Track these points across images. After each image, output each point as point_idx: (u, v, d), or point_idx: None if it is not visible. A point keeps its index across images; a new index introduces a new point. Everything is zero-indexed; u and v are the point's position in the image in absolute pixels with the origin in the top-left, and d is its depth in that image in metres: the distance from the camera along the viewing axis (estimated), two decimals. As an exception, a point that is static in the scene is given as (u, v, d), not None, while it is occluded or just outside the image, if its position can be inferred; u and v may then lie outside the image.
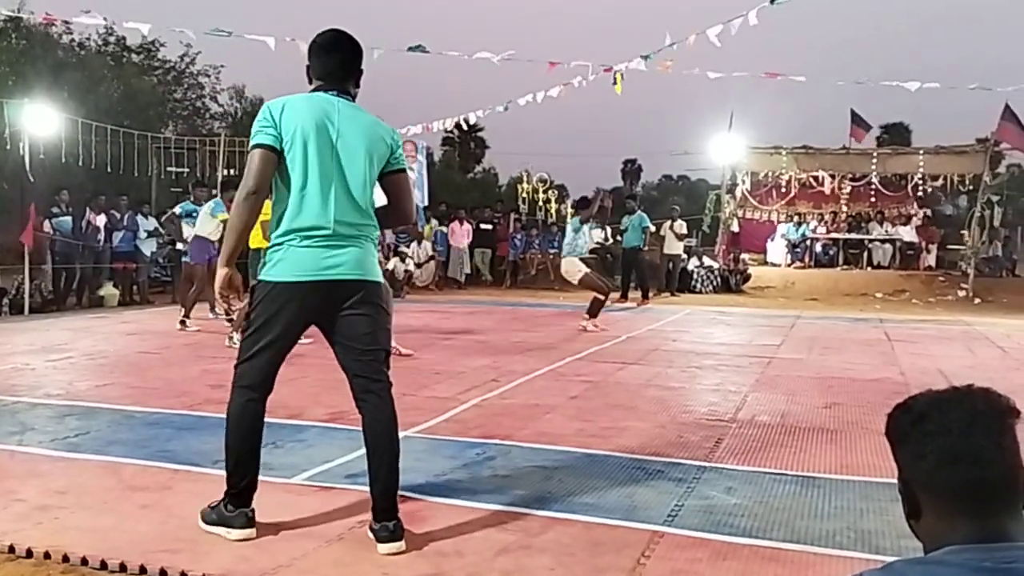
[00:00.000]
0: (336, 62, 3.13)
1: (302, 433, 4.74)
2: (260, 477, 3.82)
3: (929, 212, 20.55)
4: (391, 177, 3.17)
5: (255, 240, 8.44)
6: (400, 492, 3.59)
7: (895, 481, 3.95)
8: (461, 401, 5.62)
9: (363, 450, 4.34)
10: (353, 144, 3.04)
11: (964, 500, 1.21)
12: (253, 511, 3.14)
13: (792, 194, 20.69)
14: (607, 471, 4.03)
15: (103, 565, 2.84)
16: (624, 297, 13.89)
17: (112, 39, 24.16)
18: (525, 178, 22.08)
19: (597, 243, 19.37)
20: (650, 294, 15.48)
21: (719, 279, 17.12)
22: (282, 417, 5.11)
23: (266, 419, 5.03)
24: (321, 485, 3.75)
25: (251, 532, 3.11)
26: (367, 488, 3.67)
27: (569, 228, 10.48)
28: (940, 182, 19.59)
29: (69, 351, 7.98)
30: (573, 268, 10.17)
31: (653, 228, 15.20)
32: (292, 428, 4.85)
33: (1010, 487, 1.20)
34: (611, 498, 3.61)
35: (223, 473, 3.38)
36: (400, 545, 3.01)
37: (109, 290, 13.08)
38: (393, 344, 9.82)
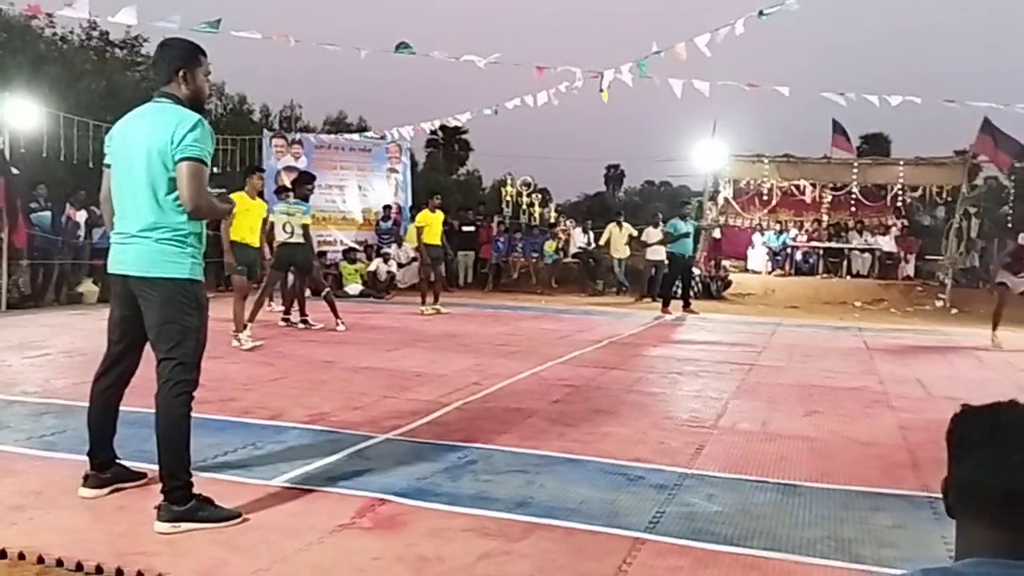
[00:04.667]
0: (153, 71, 3.54)
1: (282, 435, 4.70)
2: (241, 479, 3.82)
3: (908, 222, 20.74)
4: (176, 167, 3.24)
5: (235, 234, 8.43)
6: (381, 496, 3.59)
7: (875, 490, 3.95)
8: (443, 404, 5.60)
9: (345, 452, 4.36)
10: (132, 148, 3.32)
11: (1003, 512, 1.21)
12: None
13: (774, 202, 20.79)
14: (589, 476, 4.03)
15: (79, 567, 2.81)
16: (667, 307, 13.44)
17: (95, 33, 23.96)
18: (509, 181, 22.06)
19: (579, 248, 19.44)
20: (646, 299, 15.49)
21: (700, 285, 17.18)
22: (262, 418, 5.09)
23: (246, 419, 5.04)
24: (301, 487, 3.72)
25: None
26: (347, 491, 3.68)
27: None
28: (919, 193, 19.75)
29: (46, 348, 7.89)
30: None
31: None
32: (272, 429, 4.82)
33: None
34: (593, 504, 3.61)
35: (200, 475, 3.37)
36: (161, 526, 3.14)
37: (88, 286, 12.95)
38: (310, 320, 9.84)
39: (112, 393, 3.55)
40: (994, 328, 10.05)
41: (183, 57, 3.43)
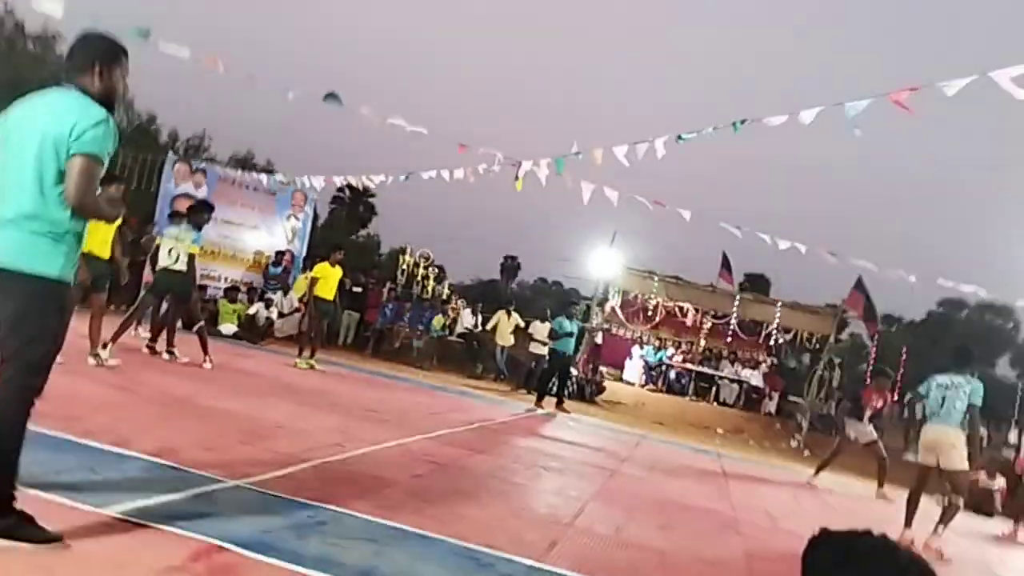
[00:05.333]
0: (67, 62, 3.35)
1: (124, 463, 4.42)
2: (71, 503, 3.55)
3: (777, 361, 21.82)
4: (69, 160, 3.09)
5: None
6: (221, 542, 3.40)
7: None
8: (301, 460, 5.39)
9: (189, 492, 4.12)
10: (29, 129, 3.12)
11: None
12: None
13: (657, 319, 21.55)
14: (439, 555, 3.94)
15: None
16: (540, 401, 13.33)
17: (10, 25, 23.01)
18: (408, 251, 22.08)
19: (466, 328, 19.48)
20: (521, 390, 15.56)
21: (576, 386, 17.43)
22: (105, 442, 4.78)
23: (87, 441, 4.72)
24: (135, 521, 3.47)
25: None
26: (184, 532, 3.47)
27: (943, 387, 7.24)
28: (791, 335, 20.90)
29: None
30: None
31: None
32: (114, 456, 4.52)
33: None
34: (439, 583, 3.51)
35: (25, 491, 3.12)
36: None
37: None
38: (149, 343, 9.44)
39: None
40: (818, 471, 10.57)
41: (103, 51, 3.30)
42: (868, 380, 20.14)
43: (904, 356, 23.76)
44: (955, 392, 7.10)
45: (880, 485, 10.42)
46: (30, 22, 22.99)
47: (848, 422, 10.55)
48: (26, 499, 3.15)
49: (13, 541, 2.91)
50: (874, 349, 23.61)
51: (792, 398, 20.52)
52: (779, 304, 20.49)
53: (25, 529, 2.96)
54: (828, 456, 10.79)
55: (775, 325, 20.28)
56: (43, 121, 3.12)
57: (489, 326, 18.18)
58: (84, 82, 3.24)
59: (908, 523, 7.27)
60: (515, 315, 17.93)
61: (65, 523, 3.21)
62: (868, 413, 10.49)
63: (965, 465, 7.09)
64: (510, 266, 65.17)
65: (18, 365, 3.04)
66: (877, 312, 18.73)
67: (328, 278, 12.11)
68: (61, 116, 3.10)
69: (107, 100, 3.26)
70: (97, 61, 3.26)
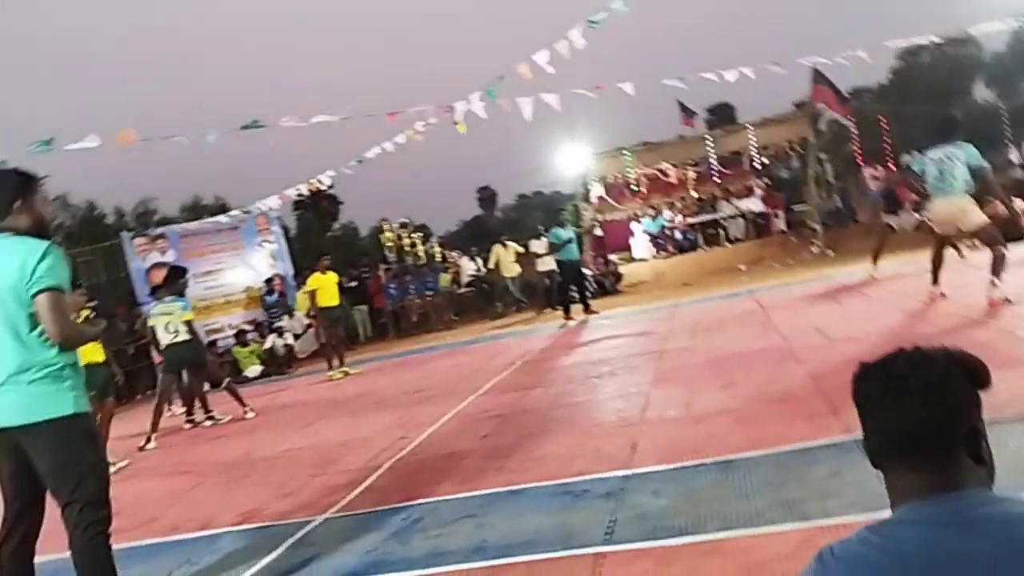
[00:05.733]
0: None
1: (216, 543, 4.50)
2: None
3: (768, 180, 21.75)
4: (34, 301, 3.08)
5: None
6: (335, 581, 3.48)
7: (804, 445, 4.07)
8: (374, 468, 5.48)
9: (287, 544, 4.21)
10: None
11: (916, 454, 1.28)
12: None
13: (643, 190, 21.46)
14: (536, 504, 4.02)
15: None
16: (568, 313, 13.33)
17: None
18: (386, 226, 21.95)
19: (471, 276, 19.50)
20: (547, 310, 15.63)
21: (595, 285, 17.49)
22: (191, 531, 4.86)
23: (175, 536, 4.80)
24: (250, 594, 3.56)
25: None
26: (299, 585, 3.54)
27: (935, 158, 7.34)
28: (771, 151, 20.78)
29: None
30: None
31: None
32: (204, 540, 4.60)
33: (948, 437, 1.27)
34: (546, 531, 3.60)
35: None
36: None
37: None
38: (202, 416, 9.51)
39: (22, 553, 3.28)
40: (874, 261, 10.67)
41: (16, 187, 3.25)
42: (858, 162, 20.15)
43: (884, 122, 23.57)
44: (951, 163, 7.23)
45: (959, 253, 10.28)
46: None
47: (889, 218, 10.62)
48: (143, 618, 3.23)
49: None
50: (853, 127, 23.45)
51: (796, 207, 20.52)
52: (749, 127, 20.32)
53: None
54: (877, 248, 10.78)
55: (754, 147, 20.15)
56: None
57: (491, 264, 18.18)
58: (11, 223, 3.20)
59: (935, 280, 7.80)
60: (511, 244, 17.90)
61: (188, 624, 3.29)
62: (908, 207, 10.49)
63: (983, 218, 7.21)
64: (487, 196, 64.73)
65: (79, 507, 3.07)
66: (844, 94, 18.57)
67: (325, 286, 12.10)
68: (8, 265, 3.08)
69: (41, 230, 3.23)
70: (13, 200, 3.21)
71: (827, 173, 20.09)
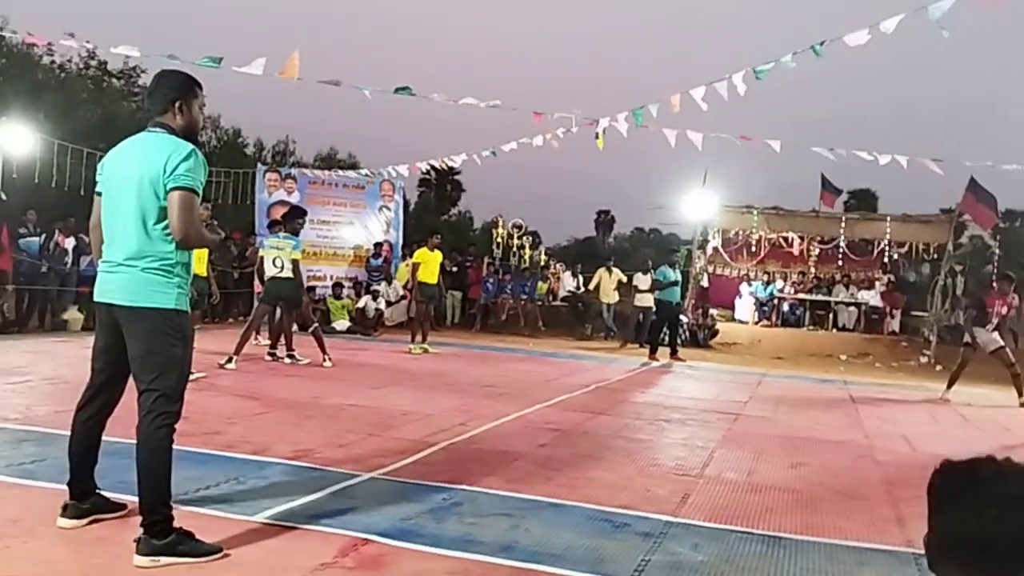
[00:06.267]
0: (148, 101, 3.59)
1: (265, 470, 4.65)
2: (223, 514, 3.77)
3: (894, 278, 20.91)
4: (167, 196, 3.24)
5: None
6: (365, 535, 3.55)
7: (860, 544, 3.93)
8: (429, 444, 5.56)
9: (328, 490, 4.32)
10: (123, 177, 3.33)
11: (980, 564, 1.23)
12: None
13: (762, 253, 20.97)
14: (574, 522, 4.00)
15: (54, 599, 2.75)
16: (654, 353, 13.31)
17: (93, 62, 24.13)
18: (500, 223, 22.19)
19: (569, 291, 19.49)
20: (632, 345, 15.53)
21: (688, 333, 17.23)
22: (245, 452, 5.04)
23: (229, 453, 4.99)
24: (283, 524, 3.66)
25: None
26: (330, 530, 3.64)
27: None
28: (905, 249, 19.99)
29: (29, 375, 7.81)
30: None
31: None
32: (255, 464, 4.76)
33: (1017, 555, 1.22)
34: (578, 550, 3.57)
35: (180, 508, 3.32)
36: (140, 560, 3.10)
37: (73, 314, 12.86)
38: (288, 352, 9.79)
39: (94, 423, 3.51)
40: (949, 386, 10.19)
41: (179, 88, 3.46)
42: (993, 285, 19.13)
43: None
44: None
45: (1020, 394, 9.95)
46: (112, 61, 24.07)
47: (975, 331, 10.09)
48: (182, 516, 3.37)
49: (177, 557, 3.12)
50: (997, 248, 22.34)
51: (915, 313, 19.66)
52: (889, 218, 19.59)
53: (186, 545, 3.17)
54: (956, 369, 10.37)
55: (887, 241, 19.43)
56: (137, 165, 3.30)
57: (591, 286, 18.12)
58: (167, 120, 3.41)
59: None
60: (616, 271, 17.80)
61: (220, 534, 3.41)
62: (994, 321, 10.00)
63: None
64: (605, 221, 64.57)
65: (155, 396, 3.23)
66: (993, 206, 17.65)
67: (428, 262, 12.31)
68: (152, 157, 3.27)
69: (190, 133, 3.44)
70: (175, 98, 3.42)
71: (956, 287, 19.18)
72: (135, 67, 24.35)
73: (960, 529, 1.25)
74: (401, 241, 18.79)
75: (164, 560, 3.10)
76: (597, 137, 10.32)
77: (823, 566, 3.60)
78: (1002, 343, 10.03)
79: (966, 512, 1.25)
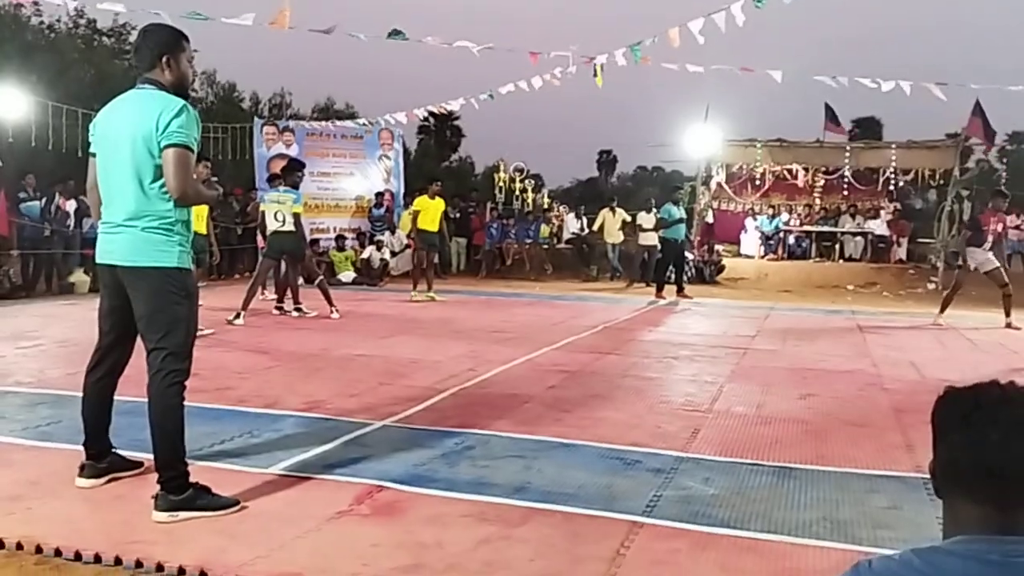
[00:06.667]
0: (135, 58, 3.51)
1: (278, 423, 4.70)
2: (238, 468, 3.82)
3: (900, 206, 20.75)
4: (162, 154, 3.20)
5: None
6: (380, 482, 3.60)
7: (870, 472, 3.96)
8: (439, 390, 5.60)
9: (341, 439, 4.36)
10: (116, 136, 3.30)
11: (985, 489, 1.23)
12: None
13: (766, 187, 20.82)
14: (586, 461, 4.04)
15: (77, 556, 2.80)
16: (661, 292, 13.32)
17: (83, 22, 23.80)
18: (501, 167, 22.04)
19: (573, 233, 19.43)
20: (638, 284, 15.55)
21: (694, 270, 17.20)
22: (257, 406, 5.09)
23: (242, 408, 5.04)
24: (298, 475, 3.71)
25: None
26: (344, 478, 3.68)
27: None
28: (911, 176, 19.79)
29: (39, 338, 7.86)
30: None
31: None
32: (268, 418, 4.81)
33: (1022, 479, 1.21)
34: (590, 488, 3.62)
35: (196, 463, 3.35)
36: (158, 515, 3.15)
37: (80, 276, 12.88)
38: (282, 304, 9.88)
39: (106, 383, 3.53)
40: (942, 310, 10.19)
41: (165, 43, 3.39)
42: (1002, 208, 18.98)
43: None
44: None
45: (1007, 314, 9.94)
46: (102, 19, 23.74)
47: (970, 251, 10.04)
48: (198, 471, 3.41)
49: (195, 512, 3.17)
50: (1004, 171, 22.12)
51: (922, 240, 19.56)
52: (893, 146, 19.36)
53: (203, 499, 3.22)
54: (949, 292, 10.36)
55: (892, 169, 19.23)
56: (129, 124, 3.26)
57: (596, 227, 18.06)
58: (155, 76, 3.35)
59: None
60: (620, 211, 17.71)
61: (237, 487, 3.46)
62: (990, 239, 9.93)
63: None
64: (607, 161, 64.15)
65: (163, 355, 3.24)
66: (994, 131, 17.45)
67: (428, 210, 12.24)
68: (144, 115, 3.22)
69: (180, 88, 3.38)
70: (162, 53, 3.35)
71: (963, 212, 19.04)
72: (124, 24, 23.99)
73: (965, 455, 1.24)
74: (403, 190, 18.69)
75: (183, 515, 3.14)
76: (596, 75, 10.16)
77: (834, 495, 3.63)
78: (997, 264, 9.98)
79: (971, 438, 1.24)
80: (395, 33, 10.50)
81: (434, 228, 12.38)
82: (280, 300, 10.45)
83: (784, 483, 3.79)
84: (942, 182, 19.09)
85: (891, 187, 20.04)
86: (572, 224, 19.79)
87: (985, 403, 1.27)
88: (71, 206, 13.03)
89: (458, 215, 18.95)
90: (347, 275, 15.82)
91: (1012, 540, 1.19)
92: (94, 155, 3.43)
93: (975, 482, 1.24)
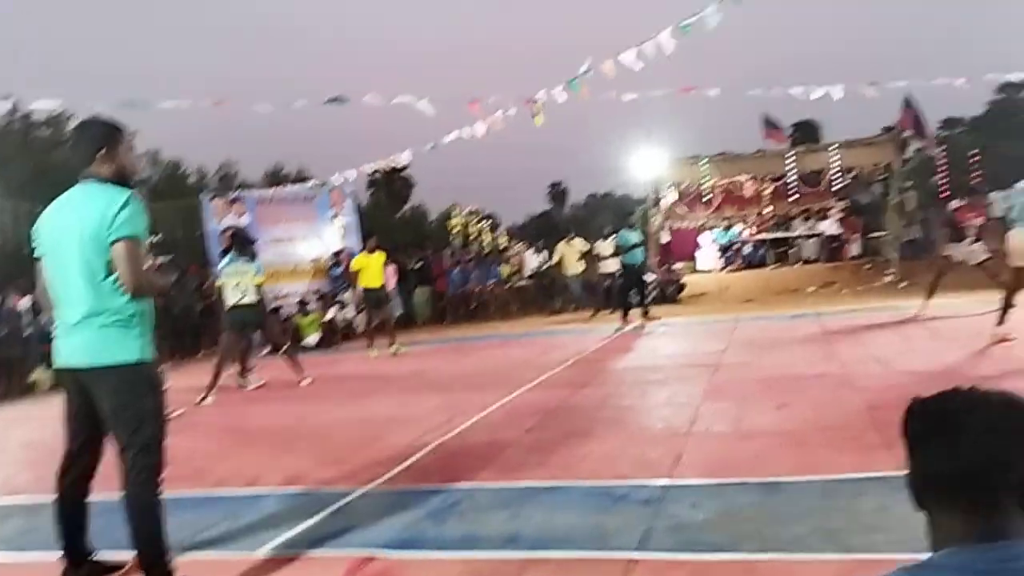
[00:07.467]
0: (74, 154, 3.42)
1: (260, 502, 4.61)
2: (224, 555, 3.74)
3: (848, 204, 21.22)
4: (111, 248, 3.17)
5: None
6: (368, 552, 3.55)
7: (854, 475, 3.99)
8: (418, 447, 5.55)
9: (326, 511, 4.30)
10: (62, 237, 3.27)
11: (965, 497, 1.25)
12: None
13: (716, 201, 21.18)
14: (573, 501, 4.03)
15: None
16: (626, 317, 13.30)
17: (18, 115, 23.58)
18: (455, 212, 22.13)
19: (534, 269, 19.52)
20: (603, 312, 15.62)
21: (657, 291, 17.35)
22: (238, 486, 5.00)
23: (222, 491, 4.95)
24: (286, 555, 3.65)
25: None
26: (333, 552, 3.63)
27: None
28: (854, 174, 20.27)
29: (3, 444, 7.66)
30: None
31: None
32: (249, 498, 4.72)
33: (997, 484, 1.24)
34: (581, 529, 3.60)
35: (186, 557, 3.28)
36: None
37: (40, 374, 12.61)
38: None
39: (79, 487, 3.45)
40: (929, 296, 10.36)
41: (102, 136, 3.36)
42: (944, 194, 19.44)
43: (977, 155, 22.70)
44: None
45: (999, 320, 10.06)
46: (37, 112, 23.57)
47: (951, 248, 10.22)
48: (184, 563, 3.34)
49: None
50: (944, 159, 22.67)
51: (874, 235, 19.98)
52: (833, 147, 19.85)
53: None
54: (934, 279, 10.50)
55: (836, 169, 19.68)
56: (74, 223, 3.22)
57: (554, 260, 18.17)
58: (95, 170, 3.32)
59: (1001, 321, 7.56)
60: (576, 241, 17.85)
61: (224, 573, 3.39)
62: (972, 235, 10.12)
63: None
64: (558, 193, 64.77)
65: (135, 451, 3.19)
66: (926, 127, 18.03)
67: (368, 267, 12.17)
68: (89, 212, 3.20)
69: (122, 179, 3.34)
70: (100, 147, 3.33)
71: (910, 203, 19.52)
72: (61, 113, 23.85)
73: (937, 465, 1.27)
74: (361, 246, 18.65)
75: None
76: (534, 116, 10.32)
77: (821, 503, 3.66)
78: (989, 254, 10.04)
79: (941, 448, 1.27)
80: (335, 99, 10.58)
81: (378, 284, 12.30)
82: (243, 374, 10.29)
83: (771, 499, 3.81)
84: (885, 176, 19.58)
85: (836, 187, 20.48)
86: (532, 261, 19.90)
87: (951, 411, 1.30)
88: (24, 304, 12.79)
89: (420, 264, 18.95)
90: (313, 338, 15.69)
91: (1000, 546, 1.20)
92: (38, 259, 3.39)
93: (953, 491, 1.26)
